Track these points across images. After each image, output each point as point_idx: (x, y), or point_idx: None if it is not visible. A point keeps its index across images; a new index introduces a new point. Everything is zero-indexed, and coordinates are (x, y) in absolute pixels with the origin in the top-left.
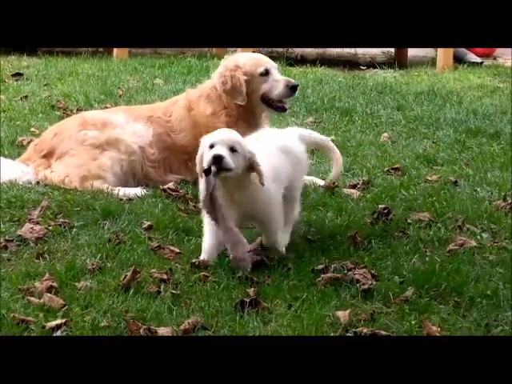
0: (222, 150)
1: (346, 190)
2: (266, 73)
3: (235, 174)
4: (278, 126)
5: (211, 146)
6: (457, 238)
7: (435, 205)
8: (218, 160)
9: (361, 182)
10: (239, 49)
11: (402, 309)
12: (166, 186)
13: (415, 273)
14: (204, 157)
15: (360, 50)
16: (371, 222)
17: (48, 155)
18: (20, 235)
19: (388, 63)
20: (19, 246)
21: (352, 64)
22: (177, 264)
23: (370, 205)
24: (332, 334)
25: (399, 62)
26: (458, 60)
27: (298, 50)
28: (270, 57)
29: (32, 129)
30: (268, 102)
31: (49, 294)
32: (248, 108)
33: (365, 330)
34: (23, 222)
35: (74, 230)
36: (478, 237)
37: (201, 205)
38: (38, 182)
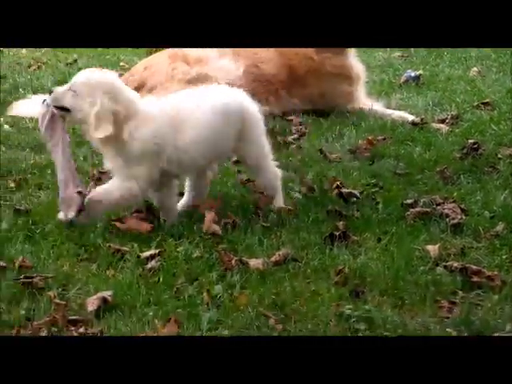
0: (63, 88)
1: (435, 125)
2: None
3: (76, 118)
4: None
5: None
6: None
7: None
8: (50, 93)
9: (450, 117)
10: None
11: (493, 243)
12: None
13: (505, 208)
14: None
15: None
16: (460, 157)
17: (138, 88)
18: None
19: None
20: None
21: None
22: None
23: (460, 140)
24: (422, 268)
25: None
26: None
27: None
28: None
29: (121, 63)
30: None
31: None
32: None
33: (455, 264)
34: None
35: None
36: None
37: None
38: None
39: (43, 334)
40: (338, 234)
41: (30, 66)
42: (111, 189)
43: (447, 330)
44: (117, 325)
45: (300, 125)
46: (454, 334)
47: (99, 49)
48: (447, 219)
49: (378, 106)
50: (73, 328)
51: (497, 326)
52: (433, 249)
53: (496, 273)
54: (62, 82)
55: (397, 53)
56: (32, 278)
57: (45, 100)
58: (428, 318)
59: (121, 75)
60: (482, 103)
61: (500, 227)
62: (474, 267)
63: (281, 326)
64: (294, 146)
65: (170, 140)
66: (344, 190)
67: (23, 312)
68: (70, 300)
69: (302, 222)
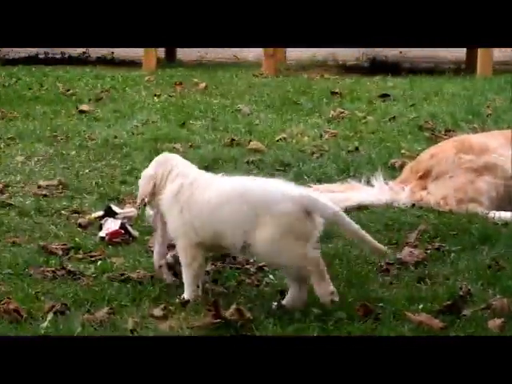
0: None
1: None
2: None
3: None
4: None
5: None
6: None
7: None
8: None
9: None
10: None
11: None
12: None
13: None
14: None
15: None
16: None
17: (424, 176)
18: (400, 258)
19: None
20: (399, 270)
21: None
22: None
23: None
24: None
25: None
26: None
27: None
28: None
29: (402, 150)
30: None
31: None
32: None
33: None
34: (401, 244)
35: (452, 254)
36: None
37: None
38: (413, 205)
39: None
40: None
41: (313, 154)
42: None
43: None
44: None
45: None
46: None
47: (379, 137)
48: None
49: None
50: None
51: None
52: None
53: None
54: (345, 170)
55: None
56: None
57: None
58: None
59: (404, 162)
60: None
61: None
62: None
63: None
64: None
65: None
66: None
67: None
68: None
69: None
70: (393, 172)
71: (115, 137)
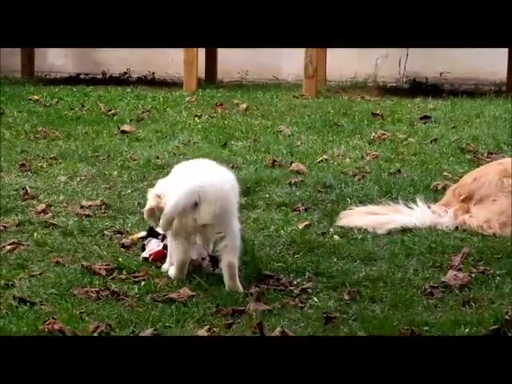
0: None
1: None
2: None
3: None
4: None
5: None
6: None
7: None
8: None
9: None
10: None
11: None
12: None
13: None
14: None
15: None
16: None
17: (467, 199)
18: (444, 282)
19: None
20: (444, 293)
21: None
22: None
23: None
24: None
25: None
26: None
27: None
28: None
29: (444, 173)
30: None
31: None
32: None
33: None
34: (445, 268)
35: (497, 278)
36: None
37: None
38: (456, 227)
39: None
40: None
41: (355, 175)
42: None
43: None
44: None
45: None
46: None
47: (421, 159)
48: None
49: None
50: None
51: None
52: None
53: None
54: (387, 192)
55: None
56: None
57: None
58: None
59: (446, 185)
60: None
61: None
62: None
63: None
64: None
65: None
66: None
67: None
68: None
69: None
70: (435, 194)
71: (157, 157)
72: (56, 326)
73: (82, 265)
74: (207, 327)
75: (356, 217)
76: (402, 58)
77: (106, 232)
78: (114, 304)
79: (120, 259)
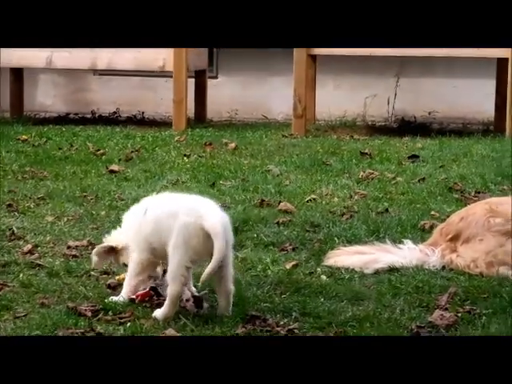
0: None
1: None
2: None
3: None
4: None
5: None
6: None
7: None
8: None
9: None
10: None
11: None
12: None
13: None
14: None
15: None
16: None
17: (454, 239)
18: (431, 321)
19: None
20: (430, 333)
21: None
22: None
23: None
24: None
25: None
26: None
27: None
28: None
29: (432, 212)
30: None
31: None
32: None
33: None
34: (432, 307)
35: (484, 317)
36: None
37: None
38: (443, 267)
39: None
40: None
41: (343, 215)
42: None
43: None
44: None
45: None
46: None
47: (409, 198)
48: None
49: None
50: None
51: None
52: None
53: None
54: (374, 231)
55: None
56: None
57: None
58: None
59: (433, 224)
60: None
61: None
62: None
63: None
64: None
65: None
66: None
67: None
68: None
69: None
70: (422, 234)
71: (145, 197)
72: None
73: (68, 306)
74: None
75: (343, 256)
76: (391, 97)
77: (92, 273)
78: None
79: (106, 300)
